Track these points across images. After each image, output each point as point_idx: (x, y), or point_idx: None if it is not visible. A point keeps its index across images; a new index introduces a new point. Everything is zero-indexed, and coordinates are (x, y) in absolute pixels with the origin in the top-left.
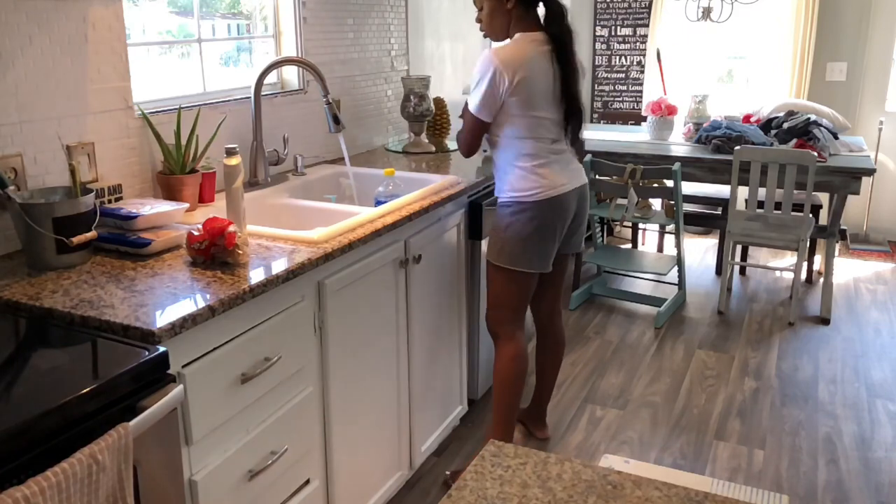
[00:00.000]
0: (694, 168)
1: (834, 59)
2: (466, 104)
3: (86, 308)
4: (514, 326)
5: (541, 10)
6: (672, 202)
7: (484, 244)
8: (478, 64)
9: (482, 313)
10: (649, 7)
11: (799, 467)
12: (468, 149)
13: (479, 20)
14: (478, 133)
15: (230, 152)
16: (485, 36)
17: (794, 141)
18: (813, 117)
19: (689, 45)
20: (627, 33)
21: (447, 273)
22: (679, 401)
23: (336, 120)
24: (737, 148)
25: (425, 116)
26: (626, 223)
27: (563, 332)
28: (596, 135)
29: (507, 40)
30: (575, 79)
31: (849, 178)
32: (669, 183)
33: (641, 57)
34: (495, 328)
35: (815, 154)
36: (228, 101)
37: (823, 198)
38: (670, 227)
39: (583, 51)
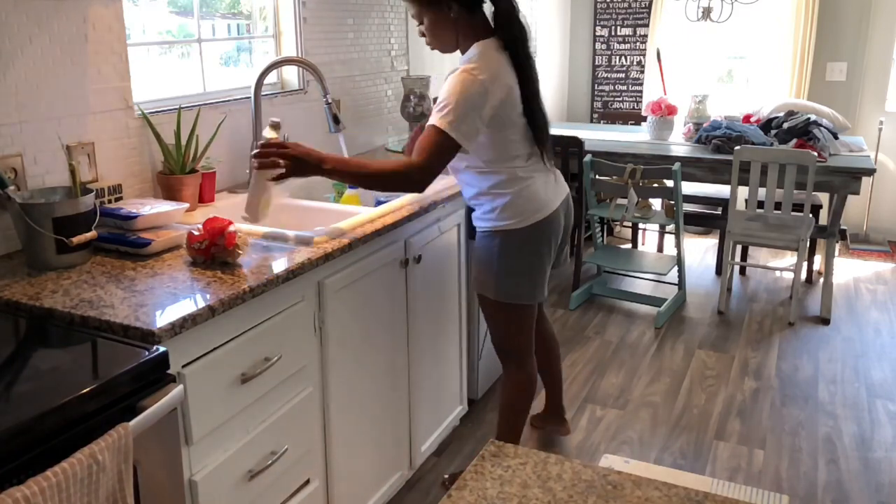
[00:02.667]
0: (694, 168)
1: (834, 59)
2: (422, 127)
3: (86, 308)
4: (525, 354)
5: (487, 7)
6: (672, 202)
7: None
8: (453, 83)
9: (482, 313)
10: (649, 7)
11: (799, 467)
12: (431, 176)
13: (421, 34)
14: (446, 158)
15: (274, 126)
16: (432, 48)
17: (794, 141)
18: (813, 117)
19: (689, 45)
20: (627, 33)
21: (447, 273)
22: (679, 401)
23: (336, 120)
24: (737, 148)
25: (425, 116)
26: (626, 223)
27: (553, 329)
28: (596, 135)
29: (459, 51)
30: (537, 85)
31: (849, 178)
32: (669, 183)
33: (641, 57)
34: (505, 356)
35: (815, 154)
36: (228, 101)
37: (823, 198)
38: (670, 227)
39: (583, 51)
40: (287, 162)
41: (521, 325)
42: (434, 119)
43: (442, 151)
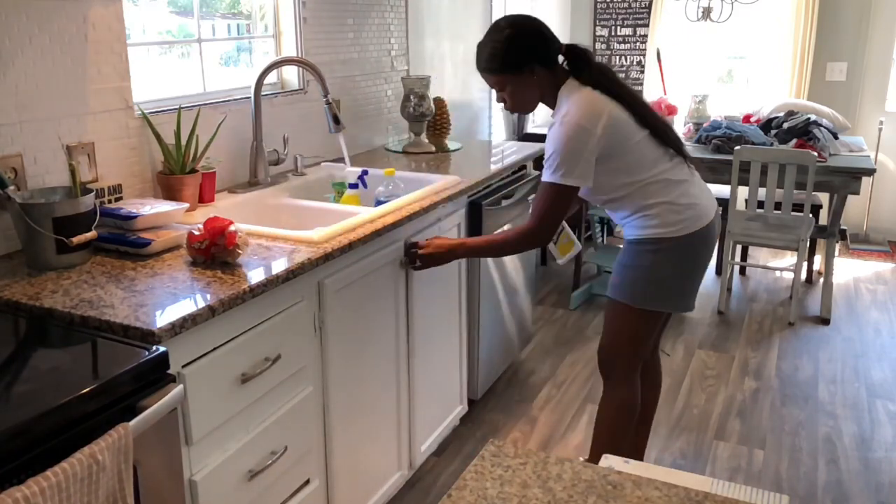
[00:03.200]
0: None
1: (834, 59)
2: (542, 181)
3: (86, 308)
4: (631, 369)
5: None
6: None
7: None
8: (554, 137)
9: (482, 314)
10: (649, 7)
11: (799, 467)
12: (550, 232)
13: (501, 100)
14: (563, 206)
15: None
16: (513, 112)
17: (794, 141)
18: (813, 117)
19: (689, 45)
20: (627, 33)
21: (447, 273)
22: (679, 401)
23: (336, 120)
24: (737, 148)
25: (425, 116)
26: None
27: (661, 365)
28: None
29: (541, 105)
30: (641, 100)
31: (849, 178)
32: None
33: (641, 57)
34: (610, 368)
35: (815, 154)
36: (228, 101)
37: (823, 198)
38: None
39: None
40: (424, 263)
41: (647, 333)
42: (545, 176)
43: (556, 203)
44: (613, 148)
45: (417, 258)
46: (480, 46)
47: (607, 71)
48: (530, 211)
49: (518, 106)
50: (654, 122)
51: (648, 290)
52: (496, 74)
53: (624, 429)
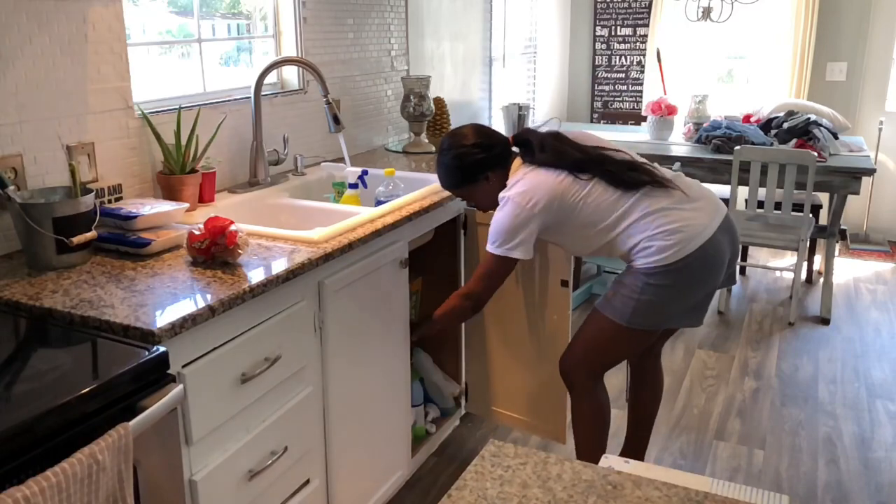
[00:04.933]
0: (694, 168)
1: (834, 59)
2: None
3: (86, 308)
4: (597, 379)
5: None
6: None
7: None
8: (497, 216)
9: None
10: (649, 7)
11: (799, 467)
12: (486, 297)
13: (471, 206)
14: (502, 274)
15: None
16: (484, 211)
17: (794, 141)
18: (813, 117)
19: (689, 45)
20: (627, 33)
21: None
22: (679, 401)
23: (336, 120)
24: (737, 148)
25: (425, 116)
26: None
27: (662, 371)
28: (596, 135)
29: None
30: (590, 151)
31: (849, 178)
32: None
33: (641, 57)
34: (573, 376)
35: (815, 154)
36: (228, 101)
37: (823, 198)
38: None
39: (583, 51)
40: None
41: (625, 351)
42: (489, 247)
43: (497, 271)
44: (559, 216)
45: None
46: (438, 167)
47: (551, 143)
48: (473, 275)
49: (488, 205)
50: (603, 170)
51: (640, 310)
52: (457, 189)
53: (602, 433)
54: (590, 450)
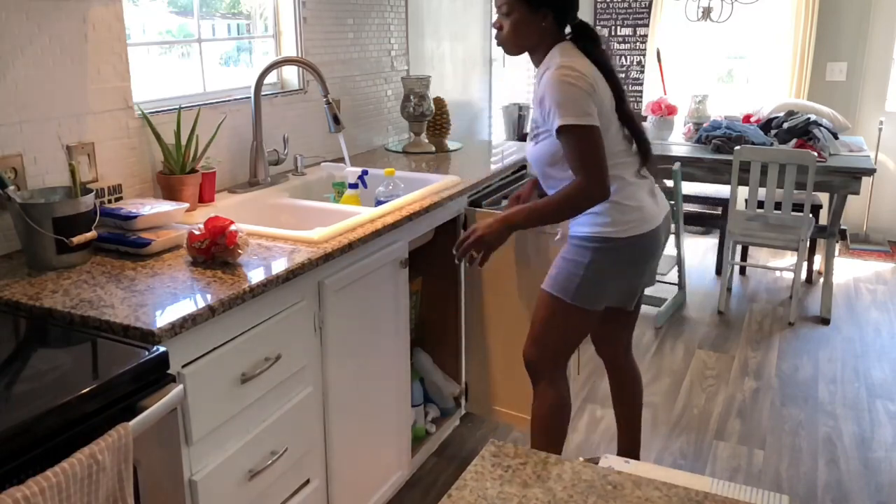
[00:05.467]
0: (694, 168)
1: (834, 59)
2: (559, 130)
3: (86, 308)
4: (558, 369)
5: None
6: (672, 202)
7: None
8: (553, 83)
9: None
10: (649, 7)
11: (799, 467)
12: (602, 179)
13: (497, 25)
14: (598, 148)
15: None
16: (499, 44)
17: (794, 141)
18: (813, 117)
19: (689, 45)
20: (627, 33)
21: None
22: (679, 401)
23: (336, 120)
24: (737, 148)
25: (425, 116)
26: None
27: (637, 366)
28: None
29: (529, 56)
30: (622, 86)
31: (849, 178)
32: (669, 183)
33: (641, 57)
34: (537, 367)
35: (815, 154)
36: (228, 101)
37: (823, 198)
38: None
39: None
40: (479, 248)
41: (577, 332)
42: (561, 121)
43: (590, 147)
44: (599, 114)
45: (472, 248)
46: None
47: (608, 58)
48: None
49: (510, 40)
50: (630, 116)
51: (583, 286)
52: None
53: (558, 429)
54: (545, 447)
